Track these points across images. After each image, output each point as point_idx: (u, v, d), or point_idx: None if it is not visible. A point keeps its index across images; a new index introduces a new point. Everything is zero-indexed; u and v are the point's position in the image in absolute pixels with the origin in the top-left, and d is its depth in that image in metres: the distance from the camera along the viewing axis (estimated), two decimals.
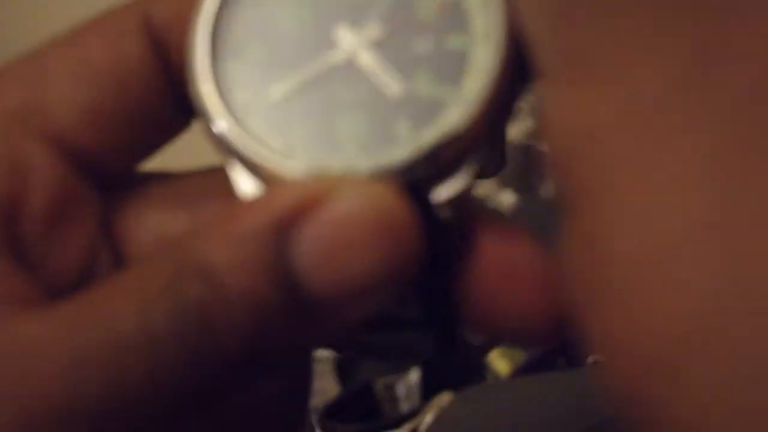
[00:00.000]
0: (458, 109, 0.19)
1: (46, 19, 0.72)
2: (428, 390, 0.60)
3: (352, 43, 0.20)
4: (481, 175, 0.19)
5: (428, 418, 0.54)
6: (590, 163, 0.17)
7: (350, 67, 0.20)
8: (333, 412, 0.63)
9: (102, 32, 0.22)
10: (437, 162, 0.19)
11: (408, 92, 0.19)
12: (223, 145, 0.20)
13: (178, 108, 0.22)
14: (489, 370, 0.58)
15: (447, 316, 0.21)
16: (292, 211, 0.18)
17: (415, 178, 0.19)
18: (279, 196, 0.18)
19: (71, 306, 0.18)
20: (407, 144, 0.19)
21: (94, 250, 0.22)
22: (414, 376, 0.62)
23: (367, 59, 0.19)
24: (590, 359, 0.50)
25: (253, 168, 0.19)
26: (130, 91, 0.22)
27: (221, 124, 0.20)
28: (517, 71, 0.19)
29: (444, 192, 0.19)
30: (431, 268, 0.19)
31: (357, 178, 0.19)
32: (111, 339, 0.18)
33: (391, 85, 0.19)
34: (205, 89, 0.20)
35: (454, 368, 0.21)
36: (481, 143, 0.19)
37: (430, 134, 0.19)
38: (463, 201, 0.19)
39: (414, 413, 0.57)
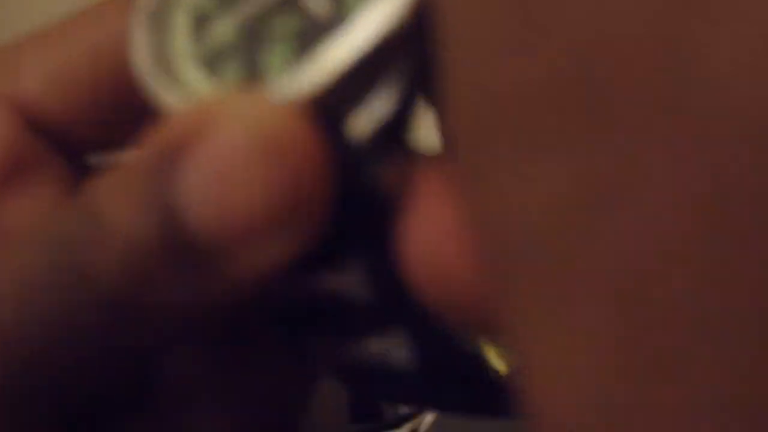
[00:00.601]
0: (372, 19, 0.17)
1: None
2: None
3: None
4: (407, 103, 0.18)
5: (428, 418, 0.54)
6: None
7: (288, 3, 0.19)
8: None
9: (91, 11, 0.21)
10: (347, 79, 0.17)
11: (336, 14, 0.18)
12: (148, 97, 0.19)
13: None
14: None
15: (404, 295, 0.17)
16: (177, 141, 0.16)
17: (325, 100, 0.17)
18: (164, 128, 0.17)
19: None
20: (318, 64, 0.17)
21: None
22: None
23: None
24: None
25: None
26: (106, 60, 0.21)
27: (147, 76, 0.19)
28: None
29: (363, 119, 0.17)
30: (360, 226, 0.17)
31: (245, 100, 0.17)
32: None
33: (323, 11, 0.18)
34: (139, 43, 0.19)
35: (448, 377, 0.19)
36: (400, 59, 0.17)
37: (341, 50, 0.17)
38: (390, 137, 0.17)
39: (414, 413, 0.57)
